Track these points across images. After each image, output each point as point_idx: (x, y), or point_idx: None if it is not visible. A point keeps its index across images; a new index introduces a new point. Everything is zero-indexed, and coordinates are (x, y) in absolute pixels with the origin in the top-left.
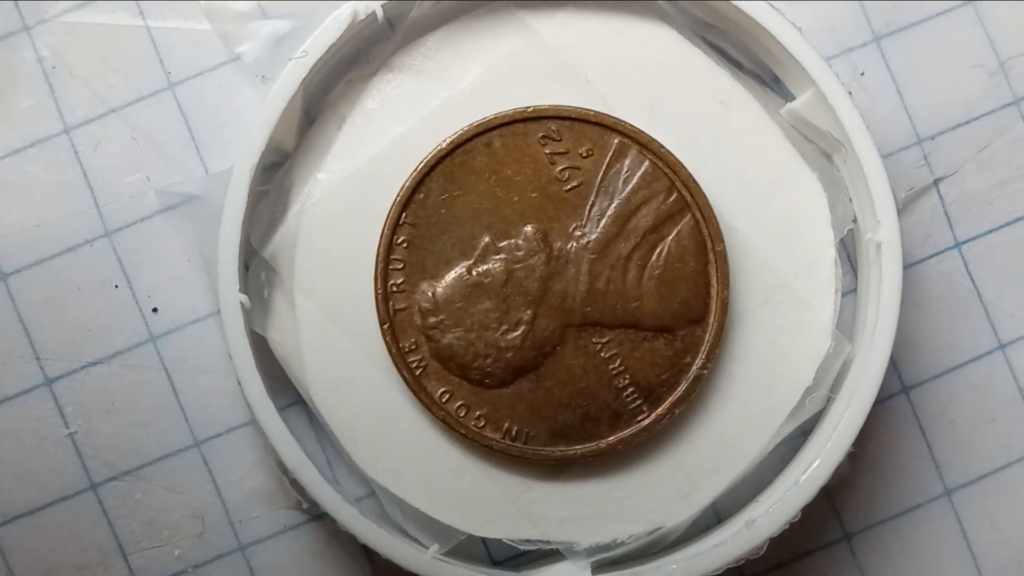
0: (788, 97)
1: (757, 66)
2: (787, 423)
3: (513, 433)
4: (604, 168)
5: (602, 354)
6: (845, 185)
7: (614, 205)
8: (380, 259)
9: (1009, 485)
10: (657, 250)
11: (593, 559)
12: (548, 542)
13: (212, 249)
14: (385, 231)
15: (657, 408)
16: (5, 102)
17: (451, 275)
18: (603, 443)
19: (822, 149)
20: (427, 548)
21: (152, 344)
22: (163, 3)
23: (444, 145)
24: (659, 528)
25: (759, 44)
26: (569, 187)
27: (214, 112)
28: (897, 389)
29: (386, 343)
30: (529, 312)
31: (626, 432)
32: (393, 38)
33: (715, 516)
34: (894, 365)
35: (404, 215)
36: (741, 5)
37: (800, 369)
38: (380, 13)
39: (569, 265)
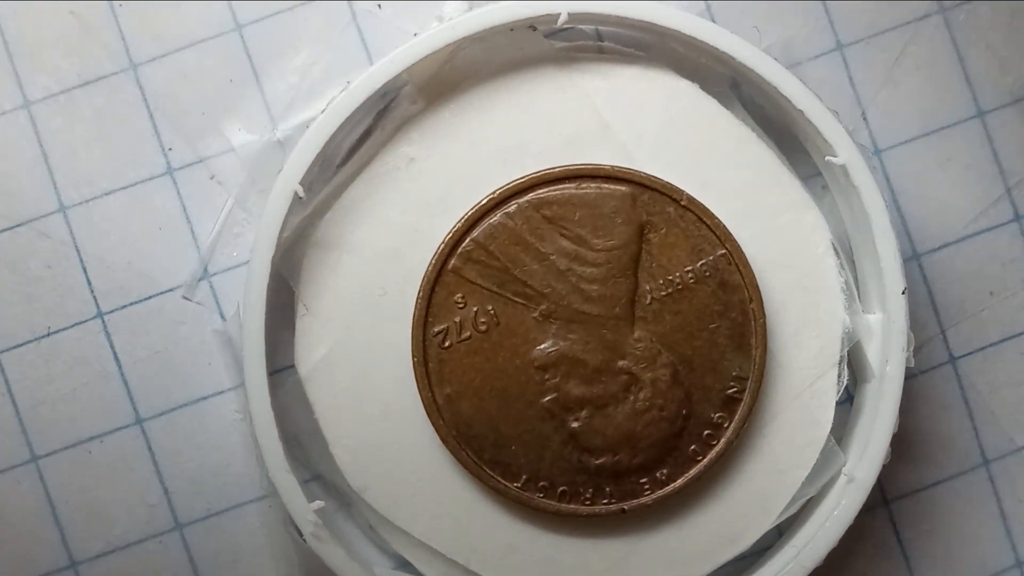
0: None
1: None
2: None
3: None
4: (486, 294)
5: (666, 291)
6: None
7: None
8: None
9: None
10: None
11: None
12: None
13: None
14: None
15: (742, 265)
16: None
17: (570, 428)
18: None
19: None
20: None
21: None
22: None
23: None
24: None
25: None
26: (491, 327)
27: None
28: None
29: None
30: (624, 374)
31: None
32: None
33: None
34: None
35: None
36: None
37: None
38: None
39: (577, 327)
